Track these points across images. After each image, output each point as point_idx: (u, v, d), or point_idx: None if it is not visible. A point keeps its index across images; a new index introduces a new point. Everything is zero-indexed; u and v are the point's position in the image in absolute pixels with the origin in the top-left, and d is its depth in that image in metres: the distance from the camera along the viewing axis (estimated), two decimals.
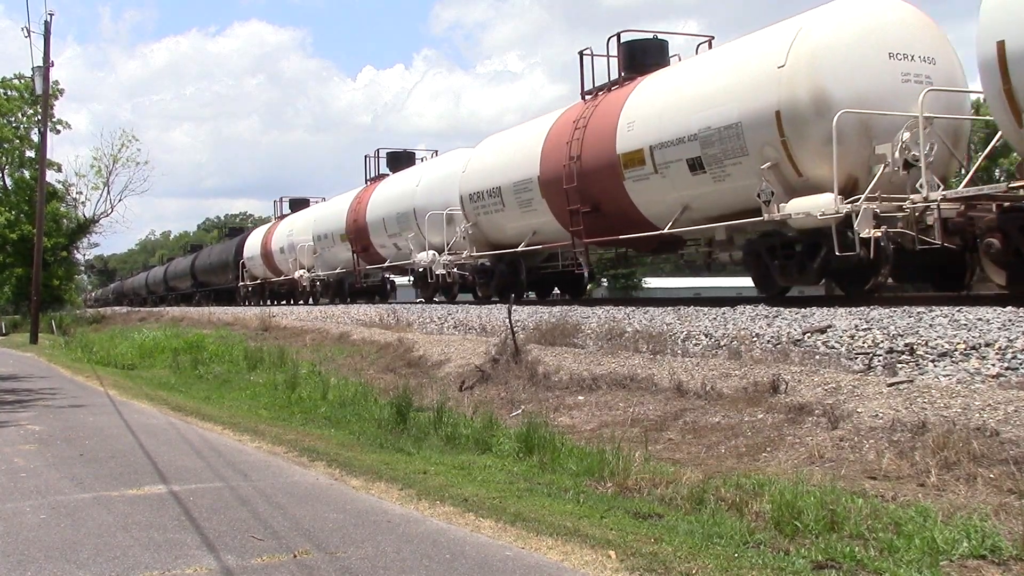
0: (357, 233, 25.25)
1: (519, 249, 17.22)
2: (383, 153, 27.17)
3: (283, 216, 37.22)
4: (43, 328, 31.92)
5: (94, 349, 21.73)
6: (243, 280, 38.51)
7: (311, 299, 31.80)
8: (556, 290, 20.19)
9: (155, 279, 61.01)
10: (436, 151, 26.14)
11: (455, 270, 20.01)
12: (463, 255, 19.38)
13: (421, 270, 21.39)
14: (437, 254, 20.04)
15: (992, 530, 4.35)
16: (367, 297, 29.10)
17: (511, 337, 10.88)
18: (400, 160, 26.35)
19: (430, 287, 22.00)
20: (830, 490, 5.06)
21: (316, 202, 35.81)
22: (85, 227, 43.55)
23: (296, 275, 31.05)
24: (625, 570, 4.29)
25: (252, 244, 37.87)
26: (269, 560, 4.53)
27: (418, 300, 24.65)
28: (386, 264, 24.45)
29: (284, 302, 36.06)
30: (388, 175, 26.03)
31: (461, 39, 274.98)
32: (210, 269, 44.74)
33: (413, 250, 21.38)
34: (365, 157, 27.60)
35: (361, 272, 26.40)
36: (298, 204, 37.22)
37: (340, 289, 29.25)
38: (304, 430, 9.14)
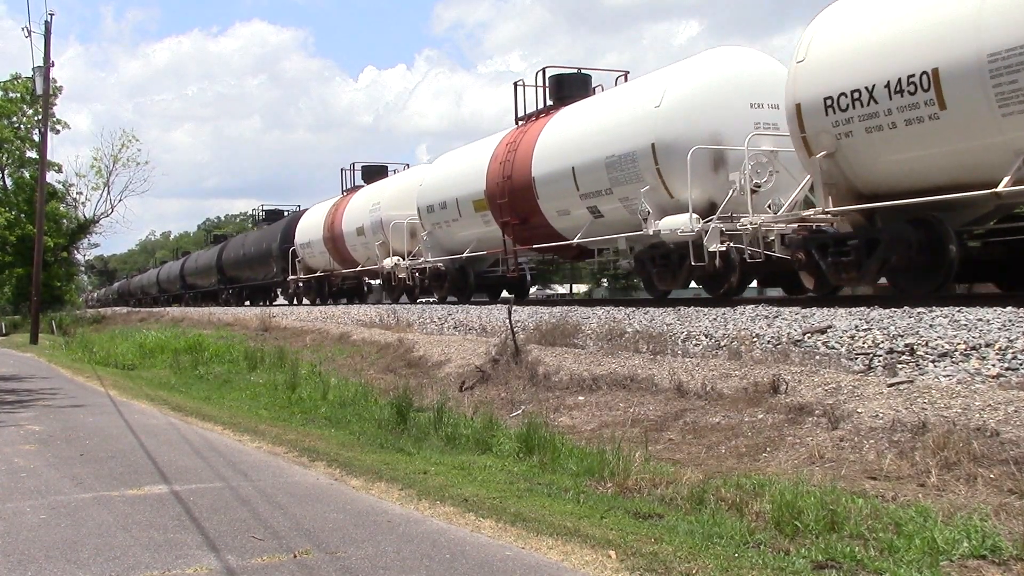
0: (512, 196, 16.68)
1: (974, 195, 8.93)
2: (550, 73, 17.86)
3: (356, 188, 27.62)
4: (43, 328, 31.94)
5: (94, 349, 21.75)
6: (294, 273, 29.98)
7: (404, 295, 23.43)
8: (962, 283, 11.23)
9: (169, 276, 54.81)
10: (626, 73, 16.97)
11: (735, 245, 12.07)
12: (787, 214, 11.40)
13: (644, 246, 13.86)
14: (700, 219, 12.34)
15: (992, 530, 4.35)
16: (492, 293, 21.92)
17: (511, 337, 10.89)
18: (575, 86, 17.35)
19: (681, 274, 13.57)
20: (830, 490, 5.06)
21: (395, 171, 26.85)
22: (85, 227, 43.65)
23: (387, 264, 22.63)
24: (625, 570, 4.30)
25: (309, 227, 28.90)
26: (269, 560, 4.53)
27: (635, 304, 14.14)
28: (575, 240, 15.42)
29: (345, 300, 28.30)
30: (559, 108, 16.92)
31: (463, 39, 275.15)
32: (244, 262, 36.49)
33: (651, 213, 13.11)
34: (515, 84, 18.40)
35: (514, 256, 18.03)
36: (373, 173, 27.48)
37: (462, 281, 20.37)
38: (304, 430, 9.14)
